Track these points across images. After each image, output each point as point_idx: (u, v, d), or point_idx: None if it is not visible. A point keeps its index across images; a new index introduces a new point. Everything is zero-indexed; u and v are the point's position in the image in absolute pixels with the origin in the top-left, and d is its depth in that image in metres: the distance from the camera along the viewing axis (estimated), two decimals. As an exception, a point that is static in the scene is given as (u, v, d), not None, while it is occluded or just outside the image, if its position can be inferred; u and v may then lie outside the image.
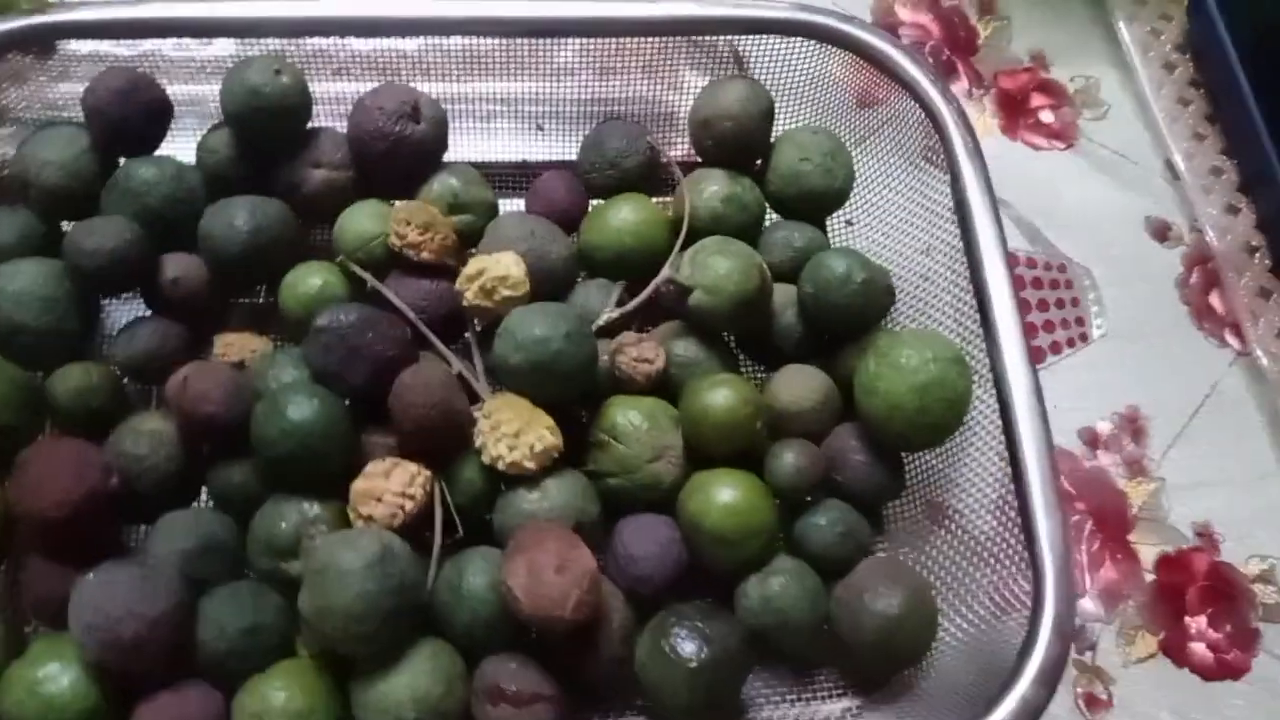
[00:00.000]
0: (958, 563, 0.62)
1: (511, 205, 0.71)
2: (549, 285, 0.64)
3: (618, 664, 0.56)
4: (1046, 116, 0.88)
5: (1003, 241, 0.63)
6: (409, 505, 0.56)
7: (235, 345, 0.63)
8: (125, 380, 0.63)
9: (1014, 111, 0.88)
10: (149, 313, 0.64)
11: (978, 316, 0.63)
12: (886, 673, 0.60)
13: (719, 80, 0.70)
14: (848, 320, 0.64)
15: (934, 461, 0.66)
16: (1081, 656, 0.67)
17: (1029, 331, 0.69)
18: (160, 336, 0.61)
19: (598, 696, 0.58)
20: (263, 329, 0.67)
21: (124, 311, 0.67)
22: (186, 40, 0.69)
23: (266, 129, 0.65)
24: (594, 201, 0.71)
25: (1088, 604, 0.69)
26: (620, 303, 0.65)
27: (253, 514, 0.57)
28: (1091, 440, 0.75)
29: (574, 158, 0.73)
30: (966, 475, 0.64)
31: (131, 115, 0.63)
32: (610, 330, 0.63)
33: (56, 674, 0.51)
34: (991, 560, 0.60)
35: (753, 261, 0.62)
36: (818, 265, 0.63)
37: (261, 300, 0.69)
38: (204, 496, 0.61)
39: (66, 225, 0.65)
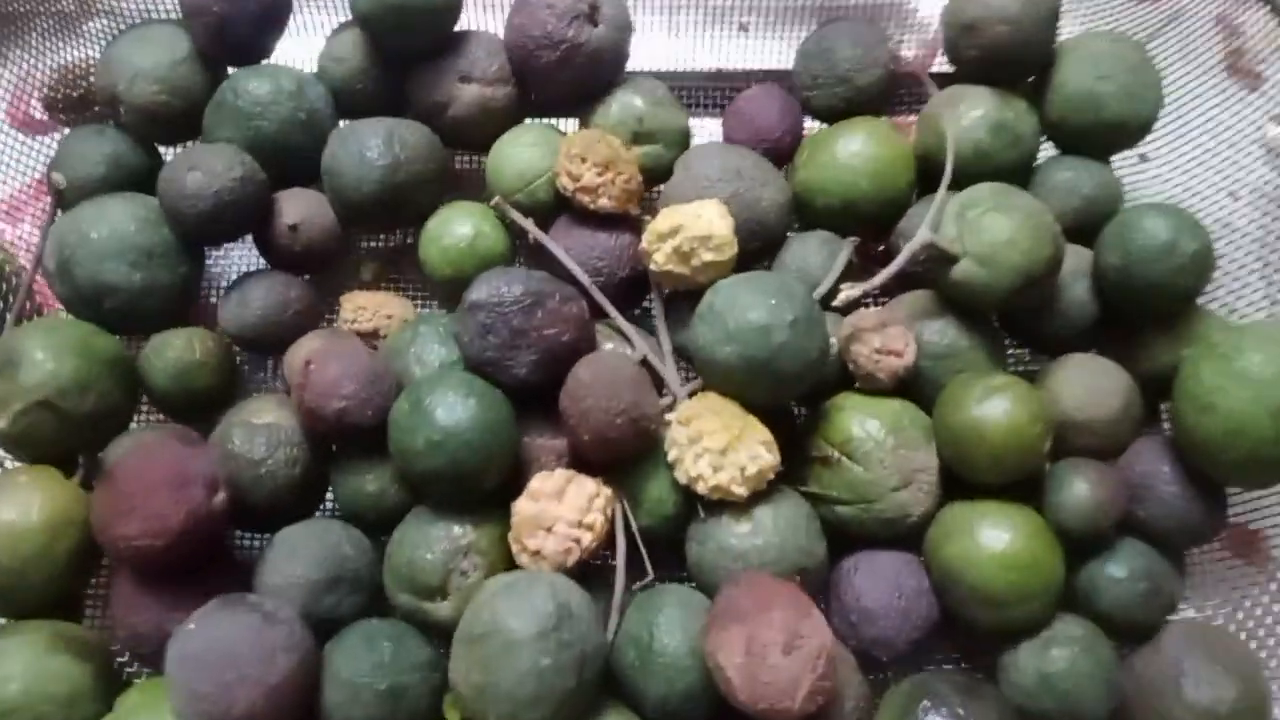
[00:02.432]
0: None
1: (703, 127, 0.56)
2: (757, 240, 0.51)
3: (849, 753, 0.43)
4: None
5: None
6: (586, 538, 0.44)
7: (368, 309, 0.51)
8: (237, 349, 0.51)
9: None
10: (263, 263, 0.52)
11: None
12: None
13: (989, -34, 0.53)
14: (1164, 300, 0.47)
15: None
16: None
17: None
18: (278, 298, 0.49)
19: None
20: (400, 276, 0.55)
21: (236, 257, 0.55)
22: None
23: (405, 32, 0.50)
24: (811, 125, 0.56)
25: None
26: (850, 267, 0.50)
27: (390, 526, 0.46)
28: None
29: (785, 66, 0.57)
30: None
31: (241, 13, 0.50)
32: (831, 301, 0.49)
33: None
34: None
35: (1044, 223, 0.46)
36: (1130, 228, 0.46)
37: (396, 242, 0.56)
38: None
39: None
